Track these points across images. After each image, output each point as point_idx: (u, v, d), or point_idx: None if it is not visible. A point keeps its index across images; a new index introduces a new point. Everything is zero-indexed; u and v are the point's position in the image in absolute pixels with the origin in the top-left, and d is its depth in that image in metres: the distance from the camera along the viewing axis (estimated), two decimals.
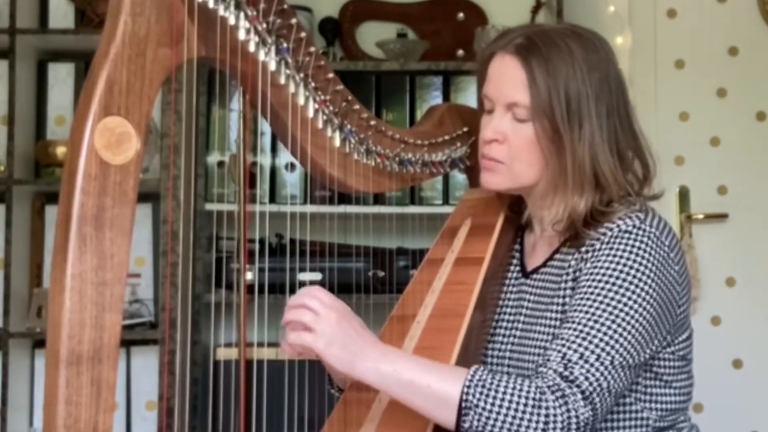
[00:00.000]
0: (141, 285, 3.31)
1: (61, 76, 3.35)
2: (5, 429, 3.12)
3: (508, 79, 1.76)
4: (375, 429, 1.73)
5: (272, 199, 3.26)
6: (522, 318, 1.84)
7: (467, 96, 3.33)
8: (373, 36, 3.54)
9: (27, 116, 3.31)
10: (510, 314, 1.86)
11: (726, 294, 3.46)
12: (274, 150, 3.29)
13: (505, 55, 1.78)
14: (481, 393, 1.57)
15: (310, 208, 3.15)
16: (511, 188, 1.83)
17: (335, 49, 3.51)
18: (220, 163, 3.25)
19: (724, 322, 3.46)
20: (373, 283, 3.17)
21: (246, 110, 3.00)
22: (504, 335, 1.85)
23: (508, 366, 1.81)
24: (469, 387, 1.57)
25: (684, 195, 3.48)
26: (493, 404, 1.56)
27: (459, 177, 3.21)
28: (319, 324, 1.59)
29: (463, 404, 1.57)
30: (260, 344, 3.09)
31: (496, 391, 1.57)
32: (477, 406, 1.56)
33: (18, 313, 3.22)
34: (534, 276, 1.85)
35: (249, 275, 2.98)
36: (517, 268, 1.90)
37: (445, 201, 3.29)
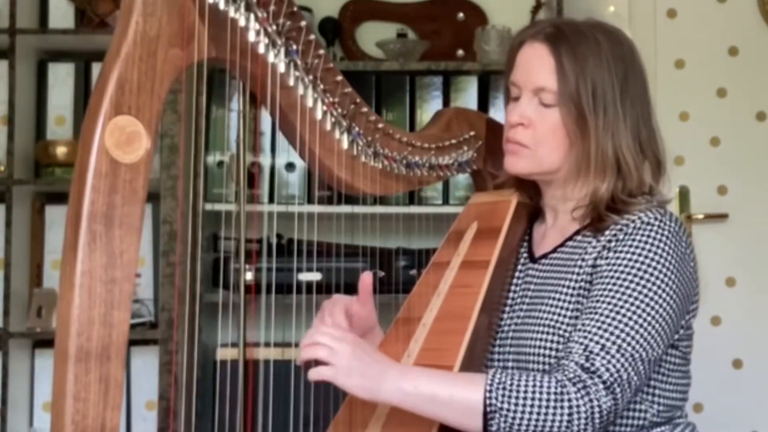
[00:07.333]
0: (141, 285, 3.31)
1: (61, 76, 3.35)
2: (5, 429, 3.12)
3: (536, 64, 1.81)
4: (380, 429, 1.73)
5: (272, 199, 3.26)
6: (527, 300, 1.86)
7: (467, 96, 3.32)
8: (373, 36, 3.54)
9: (27, 116, 3.30)
10: (516, 296, 1.88)
11: (726, 294, 3.46)
12: (274, 150, 3.28)
13: (534, 43, 1.83)
14: (503, 395, 1.60)
15: (309, 208, 3.15)
16: (534, 173, 1.86)
17: (335, 49, 3.50)
18: (220, 163, 3.25)
19: (724, 322, 3.45)
20: (374, 283, 3.16)
21: (246, 110, 2.99)
22: (509, 315, 1.87)
23: (510, 346, 1.83)
24: (490, 391, 1.60)
25: (684, 195, 3.47)
26: (516, 404, 1.59)
27: (459, 177, 3.20)
28: (336, 358, 1.61)
29: (488, 409, 1.60)
30: (261, 344, 3.08)
31: (518, 391, 1.60)
32: (501, 408, 1.59)
33: (18, 313, 3.22)
34: (542, 261, 1.88)
35: (249, 275, 2.97)
36: (525, 255, 1.92)
37: (446, 201, 3.29)
